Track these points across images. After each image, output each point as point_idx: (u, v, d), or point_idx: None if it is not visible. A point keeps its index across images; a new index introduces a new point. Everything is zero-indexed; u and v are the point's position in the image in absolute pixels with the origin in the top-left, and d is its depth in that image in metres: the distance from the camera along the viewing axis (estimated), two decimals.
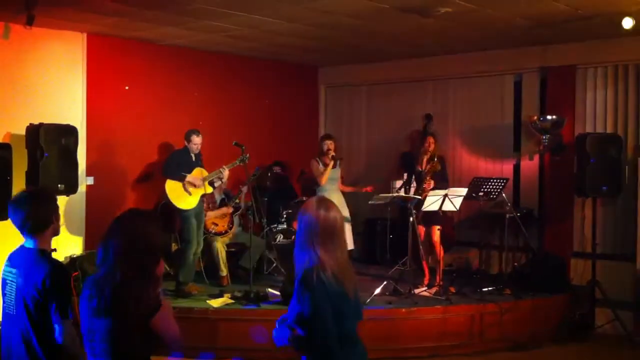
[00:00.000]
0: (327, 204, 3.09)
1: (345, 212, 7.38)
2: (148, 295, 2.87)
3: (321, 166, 7.50)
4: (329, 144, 7.55)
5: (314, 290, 2.90)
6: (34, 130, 6.64)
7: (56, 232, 3.36)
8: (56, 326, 3.12)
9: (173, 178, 7.03)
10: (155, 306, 2.88)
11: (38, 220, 3.26)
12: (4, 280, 3.33)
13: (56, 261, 3.29)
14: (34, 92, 7.19)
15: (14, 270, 3.26)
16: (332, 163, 7.45)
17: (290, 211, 8.64)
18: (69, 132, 6.82)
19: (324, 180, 7.43)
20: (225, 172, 7.34)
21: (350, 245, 7.24)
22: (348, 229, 7.34)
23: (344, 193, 7.73)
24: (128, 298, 2.82)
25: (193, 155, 7.20)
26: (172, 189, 7.02)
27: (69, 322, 3.13)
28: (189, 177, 7.05)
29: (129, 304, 2.81)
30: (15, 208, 3.28)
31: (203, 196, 7.26)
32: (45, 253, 3.29)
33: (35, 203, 3.28)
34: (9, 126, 6.94)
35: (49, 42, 7.34)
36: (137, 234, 2.91)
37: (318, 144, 7.81)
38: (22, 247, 3.33)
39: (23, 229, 3.26)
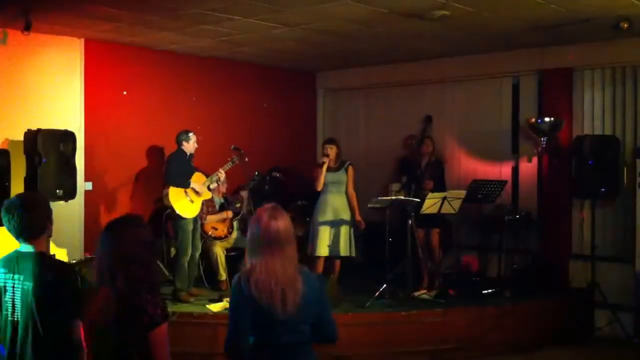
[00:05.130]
0: (275, 213, 3.01)
1: (346, 216, 7.30)
2: (151, 305, 2.79)
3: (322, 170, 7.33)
4: (326, 148, 7.39)
5: (232, 295, 2.99)
6: (31, 136, 6.61)
7: (49, 235, 3.40)
8: (71, 322, 3.15)
9: (178, 185, 6.98)
10: (158, 319, 2.80)
11: (34, 226, 3.26)
12: (2, 287, 3.26)
13: (62, 261, 3.32)
14: (31, 98, 7.18)
15: (16, 277, 3.22)
16: (323, 167, 7.25)
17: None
18: (67, 137, 6.79)
19: (319, 185, 7.26)
20: (222, 175, 7.34)
21: (346, 251, 7.20)
22: (345, 234, 7.26)
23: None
24: (130, 310, 2.77)
25: (188, 157, 7.16)
26: (175, 197, 6.97)
27: (79, 321, 3.15)
28: (193, 184, 7.01)
29: (131, 316, 2.77)
30: (9, 215, 3.25)
31: (203, 202, 7.24)
32: (46, 255, 3.33)
33: (31, 209, 3.27)
34: (7, 132, 6.93)
35: (47, 48, 7.34)
36: (130, 243, 2.85)
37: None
38: (18, 252, 3.29)
39: (19, 235, 3.26)
